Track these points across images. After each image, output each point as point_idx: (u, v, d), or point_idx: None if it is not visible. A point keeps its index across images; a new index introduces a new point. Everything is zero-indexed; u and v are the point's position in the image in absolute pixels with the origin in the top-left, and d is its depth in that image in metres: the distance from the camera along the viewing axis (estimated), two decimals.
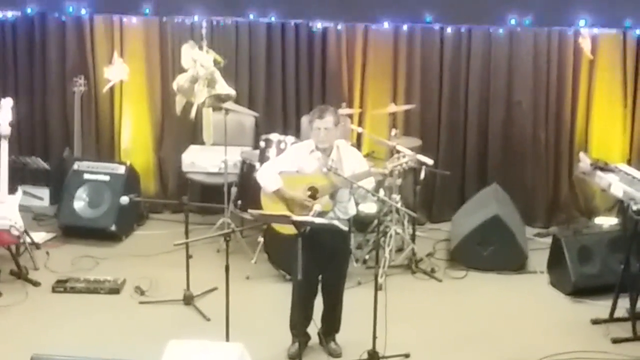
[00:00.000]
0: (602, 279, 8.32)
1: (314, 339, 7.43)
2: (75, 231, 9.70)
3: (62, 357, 6.42)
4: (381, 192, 8.63)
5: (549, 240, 9.13)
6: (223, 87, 9.59)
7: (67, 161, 10.29)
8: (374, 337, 7.02)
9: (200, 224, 9.76)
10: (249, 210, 7.10)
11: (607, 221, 9.52)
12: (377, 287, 7.06)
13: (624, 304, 7.80)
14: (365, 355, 7.08)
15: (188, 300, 8.17)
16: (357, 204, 9.18)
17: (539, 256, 9.15)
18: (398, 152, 7.94)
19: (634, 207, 7.46)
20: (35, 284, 8.54)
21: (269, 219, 7.32)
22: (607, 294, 7.99)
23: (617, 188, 7.67)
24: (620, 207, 8.44)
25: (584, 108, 10.20)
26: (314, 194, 7.12)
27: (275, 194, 7.17)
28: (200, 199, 10.06)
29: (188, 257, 8.11)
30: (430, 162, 8.74)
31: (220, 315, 7.13)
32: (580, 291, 8.36)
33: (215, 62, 9.59)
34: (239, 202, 9.19)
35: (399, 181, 9.05)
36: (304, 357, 7.01)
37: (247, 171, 9.23)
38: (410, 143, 9.12)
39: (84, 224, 9.69)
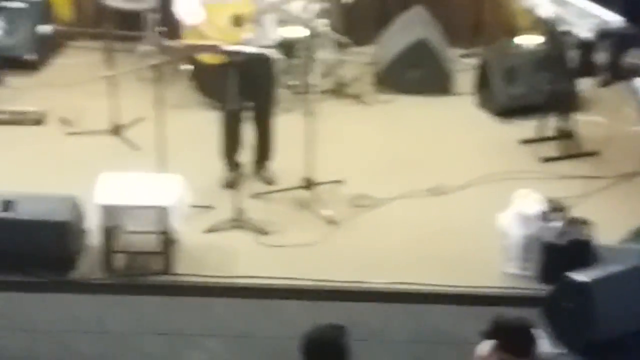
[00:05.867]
0: (529, 99, 8.40)
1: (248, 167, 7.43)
2: None
3: None
4: (309, 15, 8.42)
5: (474, 61, 9.14)
6: None
7: None
8: (308, 164, 7.03)
9: (119, 51, 9.42)
10: (176, 42, 6.92)
11: (528, 40, 9.51)
12: (308, 113, 7.00)
13: (551, 123, 7.93)
14: (301, 182, 7.10)
15: (116, 130, 8.03)
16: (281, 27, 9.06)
17: (464, 78, 9.12)
18: None
19: (564, 29, 7.48)
20: None
21: (197, 50, 7.12)
22: (534, 115, 8.09)
23: (547, 9, 7.65)
24: (548, 28, 8.39)
25: None
26: (238, 22, 6.94)
27: (195, 29, 6.95)
28: (118, 26, 9.69)
29: (113, 88, 7.91)
30: None
31: (150, 146, 7.03)
32: (508, 112, 8.45)
33: None
34: (162, 28, 8.89)
35: (325, 4, 8.87)
36: (238, 185, 7.00)
37: None
38: None
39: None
